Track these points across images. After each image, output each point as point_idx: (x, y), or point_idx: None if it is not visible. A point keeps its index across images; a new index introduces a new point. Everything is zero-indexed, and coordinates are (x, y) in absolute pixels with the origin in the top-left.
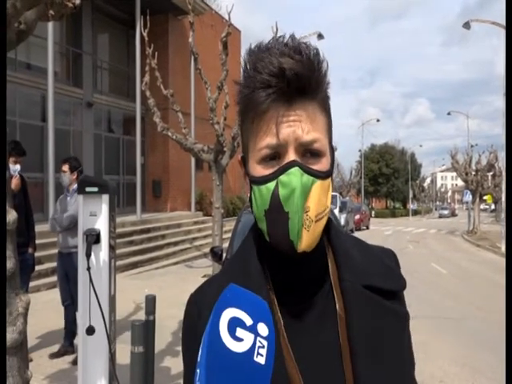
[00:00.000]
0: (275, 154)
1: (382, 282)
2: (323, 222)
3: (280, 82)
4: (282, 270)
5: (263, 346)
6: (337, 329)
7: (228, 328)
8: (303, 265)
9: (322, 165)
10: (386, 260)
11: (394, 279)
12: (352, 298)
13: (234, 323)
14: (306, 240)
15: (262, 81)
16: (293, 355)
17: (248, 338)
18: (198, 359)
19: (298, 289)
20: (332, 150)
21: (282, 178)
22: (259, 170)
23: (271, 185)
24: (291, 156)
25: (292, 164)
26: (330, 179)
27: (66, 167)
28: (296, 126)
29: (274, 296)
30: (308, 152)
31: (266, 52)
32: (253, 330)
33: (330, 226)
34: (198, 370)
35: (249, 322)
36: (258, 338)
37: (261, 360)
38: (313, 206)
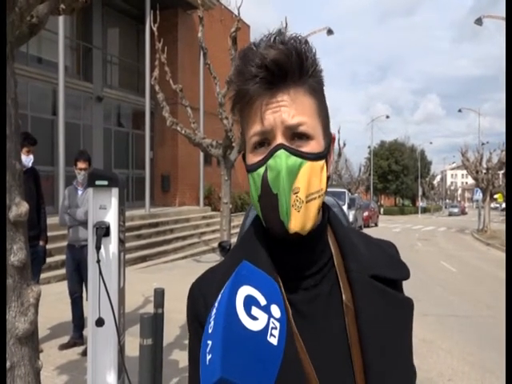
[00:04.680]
0: (264, 141)
1: (389, 271)
2: (316, 203)
3: (263, 72)
4: (285, 258)
5: (276, 328)
6: (343, 319)
7: (244, 305)
8: (303, 250)
9: (310, 147)
10: (388, 250)
11: (399, 268)
12: (360, 288)
13: (250, 302)
14: (297, 221)
15: (250, 73)
16: (303, 345)
17: (262, 317)
18: (209, 331)
19: (301, 279)
20: (327, 133)
21: (270, 162)
22: (251, 158)
23: (261, 170)
24: (279, 140)
25: (278, 147)
26: (322, 161)
27: (85, 164)
28: (282, 110)
29: (281, 284)
30: (296, 135)
31: (253, 48)
32: (267, 310)
33: (330, 214)
34: (208, 342)
35: (263, 301)
36: (271, 319)
37: (273, 341)
38: (302, 187)
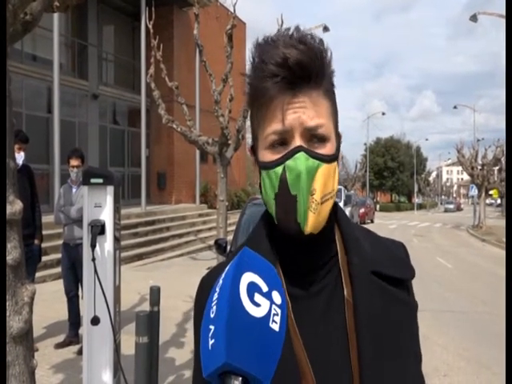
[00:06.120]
0: (282, 140)
1: (391, 269)
2: (329, 203)
3: (285, 72)
4: (292, 253)
5: (277, 314)
6: (344, 314)
7: (247, 292)
8: (312, 248)
9: (327, 149)
10: (396, 250)
11: (403, 268)
12: (360, 282)
13: (252, 288)
14: (313, 222)
15: (269, 71)
16: (300, 339)
17: (265, 304)
18: (211, 315)
19: (306, 274)
20: (338, 135)
21: (289, 162)
22: (268, 156)
23: (279, 169)
24: (297, 141)
25: (298, 149)
26: (335, 163)
27: (78, 161)
28: (301, 112)
29: (283, 279)
30: (313, 137)
31: (272, 44)
32: (268, 296)
33: (339, 212)
34: (211, 327)
35: (265, 288)
36: (273, 306)
37: (275, 327)
38: (318, 189)
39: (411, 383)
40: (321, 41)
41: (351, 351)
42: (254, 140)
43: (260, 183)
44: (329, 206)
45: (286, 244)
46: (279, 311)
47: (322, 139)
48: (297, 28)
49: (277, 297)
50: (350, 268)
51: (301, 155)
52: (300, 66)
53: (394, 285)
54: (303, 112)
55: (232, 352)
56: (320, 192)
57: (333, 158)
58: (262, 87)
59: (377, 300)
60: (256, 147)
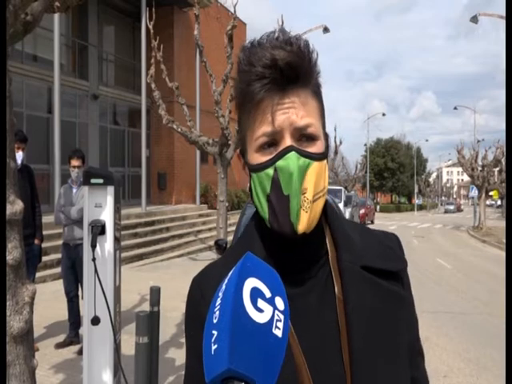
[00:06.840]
0: (272, 141)
1: (381, 262)
2: (321, 202)
3: (274, 73)
4: (283, 252)
5: (280, 320)
6: (335, 311)
7: (250, 298)
8: (303, 247)
9: (316, 147)
10: (387, 242)
11: (394, 260)
12: (350, 278)
13: (256, 294)
14: (305, 221)
15: (257, 73)
16: (296, 336)
17: (268, 310)
18: (214, 321)
19: (298, 272)
20: (326, 134)
21: (280, 163)
22: (258, 158)
23: (270, 170)
24: (287, 141)
25: (289, 149)
26: (325, 161)
27: (79, 161)
28: (290, 112)
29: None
30: (303, 136)
31: (258, 47)
32: (271, 302)
33: (328, 209)
34: (214, 332)
35: (268, 294)
36: (276, 312)
37: (278, 333)
38: (310, 187)
39: (405, 379)
40: (306, 42)
41: (343, 348)
42: (242, 144)
43: (250, 187)
44: (320, 204)
45: (277, 243)
46: (282, 317)
47: (312, 138)
48: (282, 30)
49: (280, 302)
50: (339, 264)
51: (292, 155)
52: (289, 66)
53: (386, 278)
54: (292, 112)
55: (235, 358)
56: (312, 190)
57: (323, 156)
58: (251, 90)
59: (368, 295)
60: (245, 151)
